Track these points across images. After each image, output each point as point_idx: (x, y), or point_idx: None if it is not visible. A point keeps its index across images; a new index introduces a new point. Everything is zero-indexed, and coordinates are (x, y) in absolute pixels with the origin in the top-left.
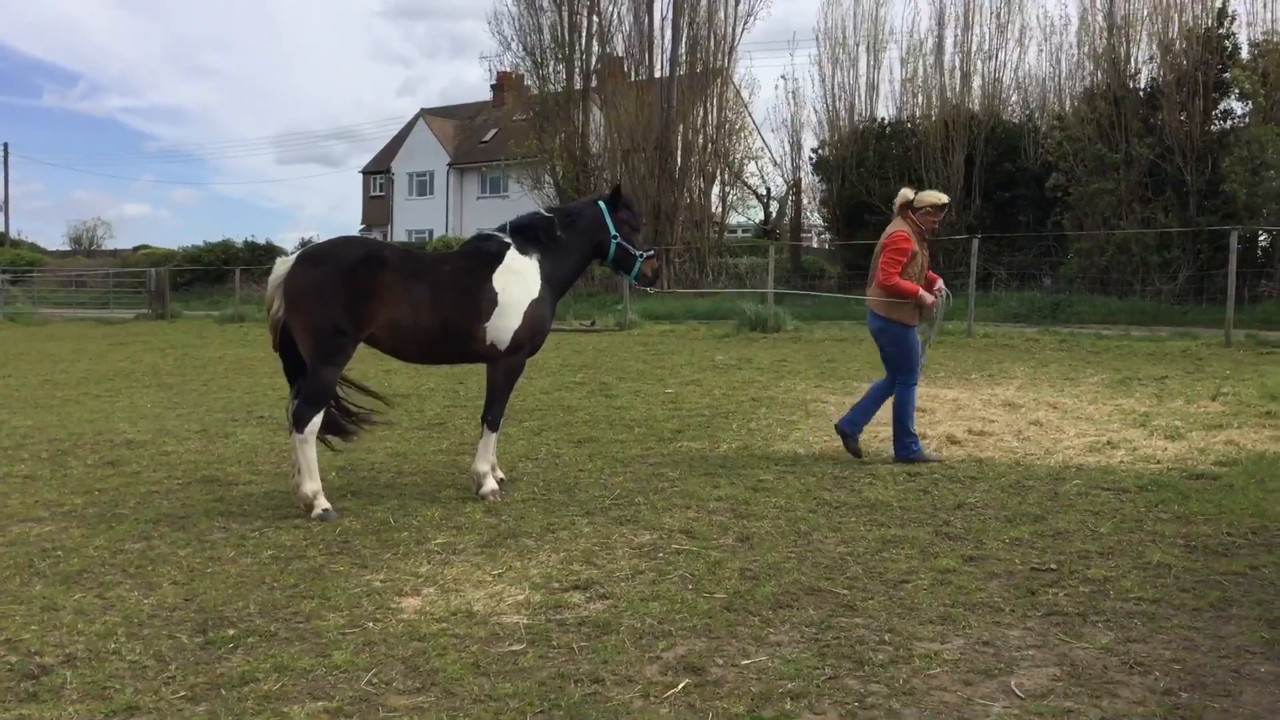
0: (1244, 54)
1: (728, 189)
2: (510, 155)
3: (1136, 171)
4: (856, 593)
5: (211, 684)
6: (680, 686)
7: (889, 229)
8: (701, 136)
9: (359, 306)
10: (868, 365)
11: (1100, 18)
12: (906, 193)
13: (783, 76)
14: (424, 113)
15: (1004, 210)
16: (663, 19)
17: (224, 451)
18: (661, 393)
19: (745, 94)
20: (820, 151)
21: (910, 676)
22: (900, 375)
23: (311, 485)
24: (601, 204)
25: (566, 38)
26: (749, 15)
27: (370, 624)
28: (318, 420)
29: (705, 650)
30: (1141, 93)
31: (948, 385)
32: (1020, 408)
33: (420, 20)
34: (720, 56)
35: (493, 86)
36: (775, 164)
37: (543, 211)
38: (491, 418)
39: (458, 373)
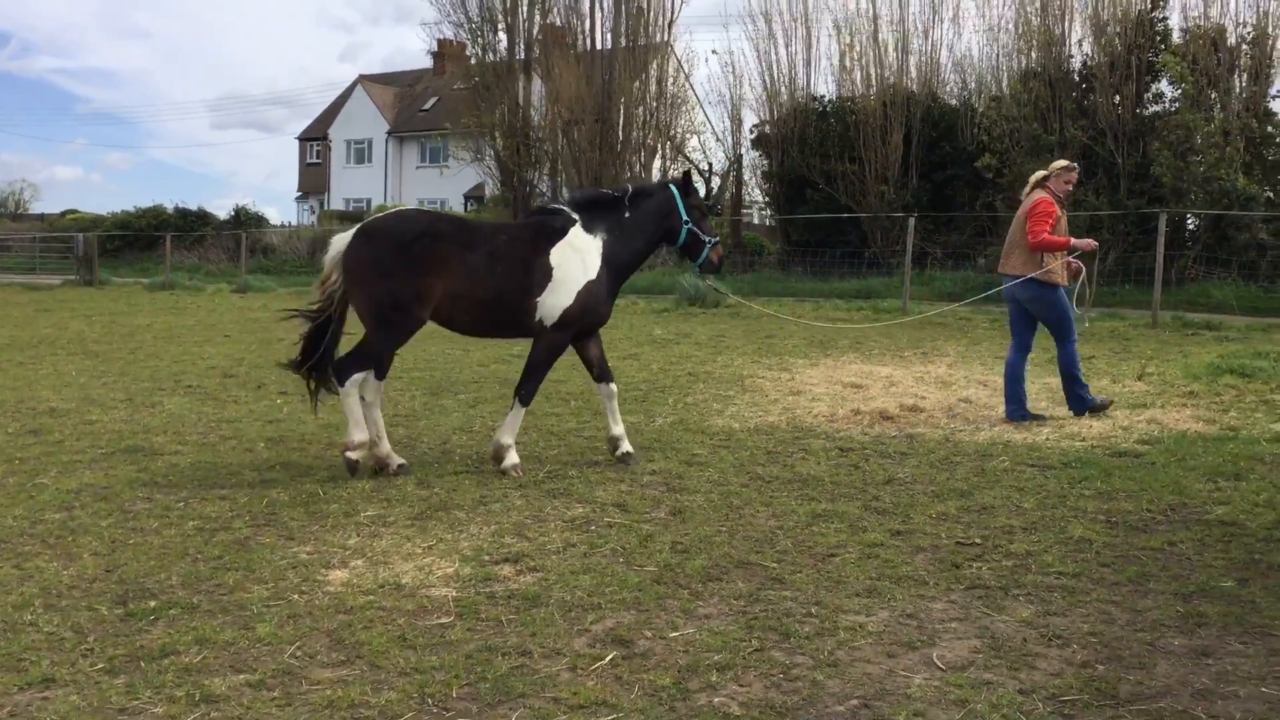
0: (1176, 38)
1: (669, 163)
2: (450, 125)
3: (1070, 153)
4: (785, 566)
5: (131, 656)
6: (608, 659)
7: (1029, 199)
8: (643, 110)
9: (419, 280)
10: (805, 341)
11: None
12: (1040, 172)
13: (713, 51)
14: (362, 79)
15: (941, 190)
16: None
17: (150, 421)
18: None
19: (686, 68)
20: (761, 127)
21: (835, 648)
22: (1060, 336)
23: (360, 434)
24: (673, 187)
25: (506, 6)
26: None
27: (295, 596)
28: (359, 375)
29: (634, 623)
30: (1076, 75)
31: (882, 362)
32: (952, 385)
33: None
34: (661, 30)
35: (433, 55)
36: (717, 139)
37: (612, 190)
38: (525, 392)
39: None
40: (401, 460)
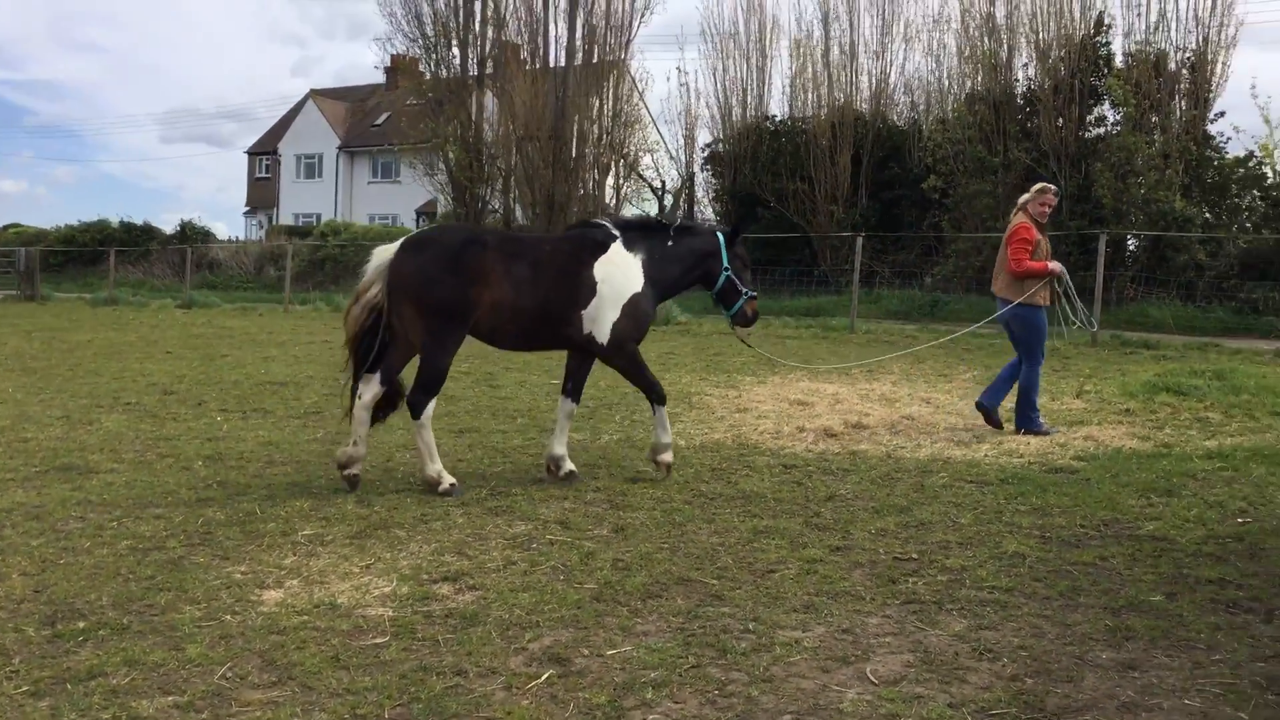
0: (1118, 63)
1: (622, 181)
2: (403, 140)
3: (1014, 175)
4: (725, 582)
5: (57, 678)
6: (544, 677)
7: (1012, 224)
8: (597, 127)
9: (465, 290)
10: (752, 359)
11: (981, 22)
12: (1024, 196)
13: (677, 68)
14: (313, 93)
15: (889, 210)
16: (558, 8)
17: (86, 439)
18: (547, 383)
19: (641, 87)
20: (714, 146)
21: (771, 664)
22: (1028, 356)
23: (434, 466)
24: (720, 234)
25: (460, 22)
26: (646, 8)
27: (228, 617)
28: (433, 406)
29: (572, 641)
30: (1020, 98)
31: (828, 380)
32: (896, 402)
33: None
34: (616, 48)
35: (386, 69)
36: (671, 157)
37: (659, 218)
38: (654, 395)
39: (338, 361)
40: (440, 490)
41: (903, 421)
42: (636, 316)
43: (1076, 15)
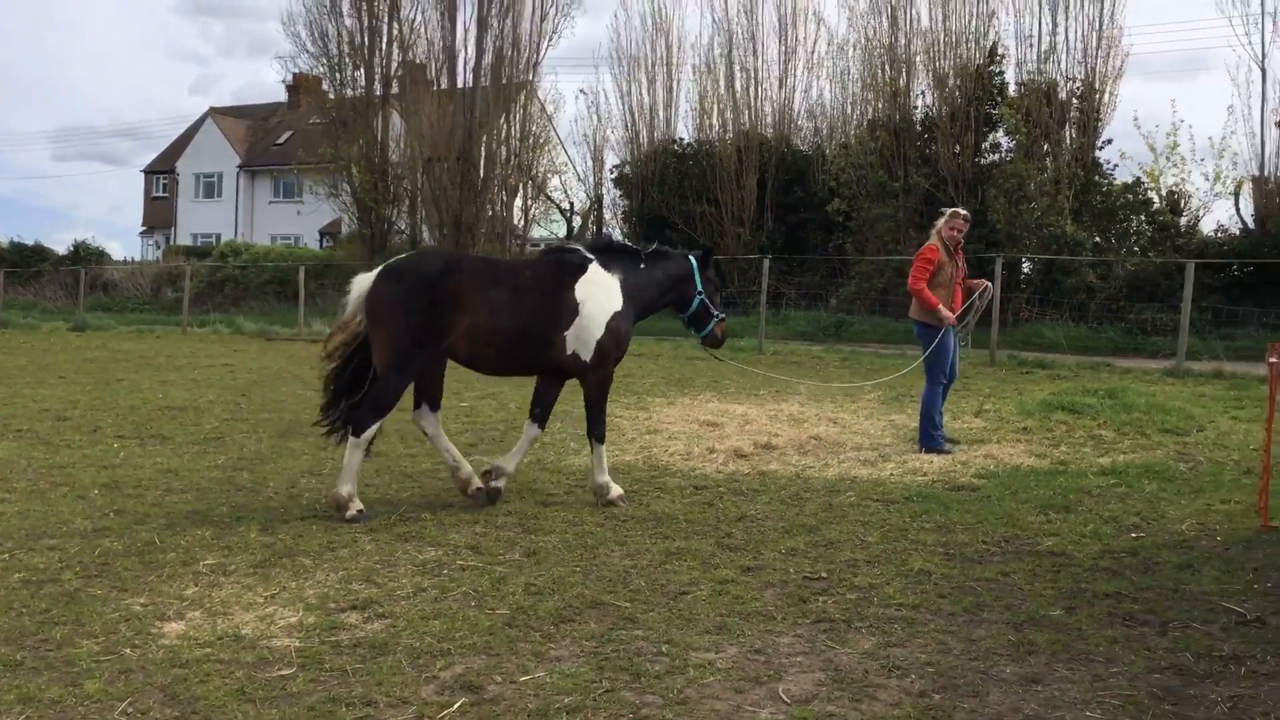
0: (1012, 91)
1: (531, 202)
2: (305, 160)
3: (914, 199)
4: (638, 605)
5: None
6: (456, 706)
7: (924, 245)
8: (505, 149)
9: (440, 319)
10: (663, 380)
11: (881, 51)
12: (940, 219)
13: (582, 90)
14: (213, 111)
15: (795, 233)
16: (466, 29)
17: None
18: (456, 406)
19: (550, 108)
20: (622, 168)
21: (685, 686)
22: (932, 374)
23: (349, 488)
24: (692, 259)
25: (366, 42)
26: (554, 31)
27: (127, 651)
28: (375, 429)
29: (484, 668)
30: (919, 125)
31: (737, 401)
32: (804, 422)
33: (219, 18)
34: (525, 70)
35: (288, 88)
36: (579, 179)
37: (631, 244)
38: (597, 431)
39: (240, 384)
40: (346, 515)
41: (810, 441)
42: (618, 335)
43: (972, 45)
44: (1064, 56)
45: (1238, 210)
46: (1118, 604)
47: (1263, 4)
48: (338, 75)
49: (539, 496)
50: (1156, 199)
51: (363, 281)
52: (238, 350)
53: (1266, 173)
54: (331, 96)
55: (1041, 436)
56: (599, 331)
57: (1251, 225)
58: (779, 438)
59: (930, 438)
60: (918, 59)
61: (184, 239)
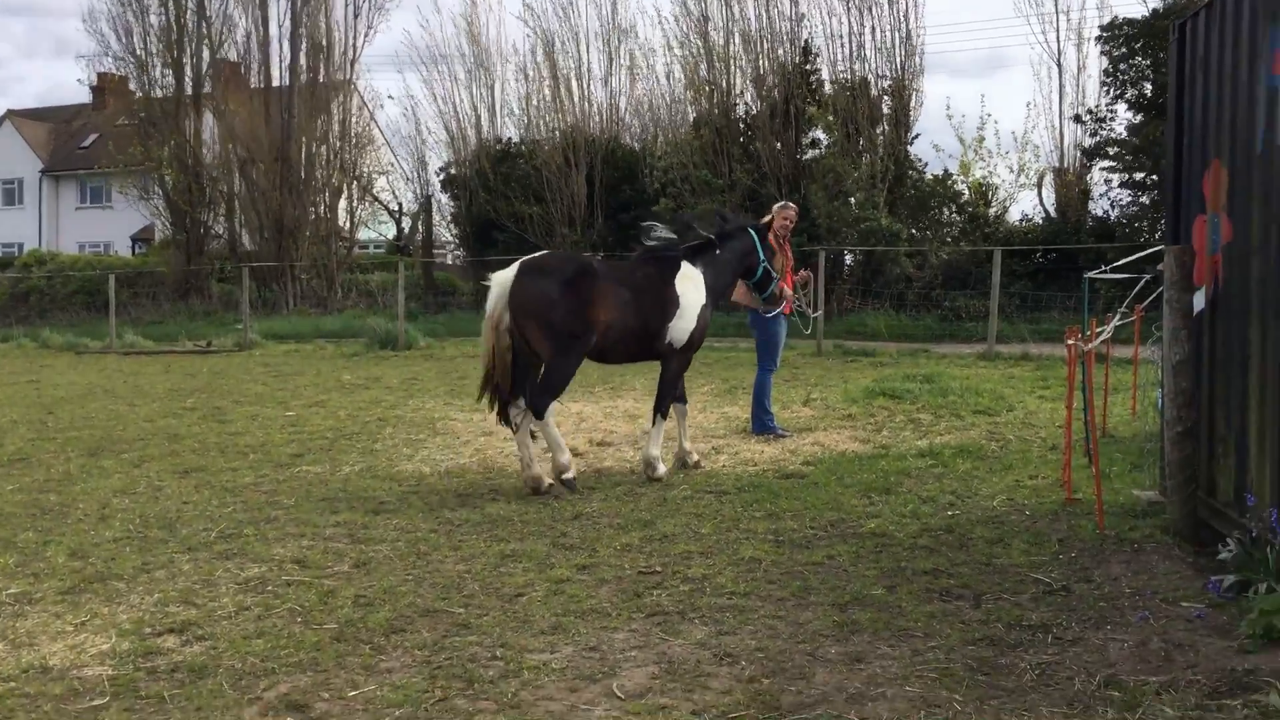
0: (827, 89)
1: (357, 204)
2: (113, 163)
3: (738, 195)
4: (472, 610)
5: None
6: None
7: None
8: (326, 149)
9: (584, 311)
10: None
11: (702, 51)
12: (768, 216)
13: (389, 96)
14: (11, 114)
15: (627, 230)
16: (280, 26)
17: None
18: (282, 416)
19: (372, 108)
20: (448, 170)
21: (519, 689)
22: (763, 361)
23: (564, 456)
24: (753, 232)
25: (175, 40)
26: (369, 27)
27: None
28: (555, 405)
29: (311, 685)
30: (740, 123)
31: (573, 399)
32: (639, 418)
33: (19, 17)
34: (343, 68)
35: (93, 88)
36: (407, 180)
37: (707, 232)
38: (663, 408)
39: (45, 402)
40: (563, 478)
41: (645, 437)
42: (705, 323)
43: (788, 45)
44: (873, 55)
45: (1040, 200)
46: (935, 580)
47: (1056, 3)
48: (145, 74)
49: (370, 504)
50: (966, 191)
51: (504, 278)
52: (45, 365)
53: (1066, 164)
54: (139, 96)
55: (865, 422)
56: (692, 323)
57: (1053, 214)
58: (614, 434)
59: (763, 423)
60: (734, 60)
61: None
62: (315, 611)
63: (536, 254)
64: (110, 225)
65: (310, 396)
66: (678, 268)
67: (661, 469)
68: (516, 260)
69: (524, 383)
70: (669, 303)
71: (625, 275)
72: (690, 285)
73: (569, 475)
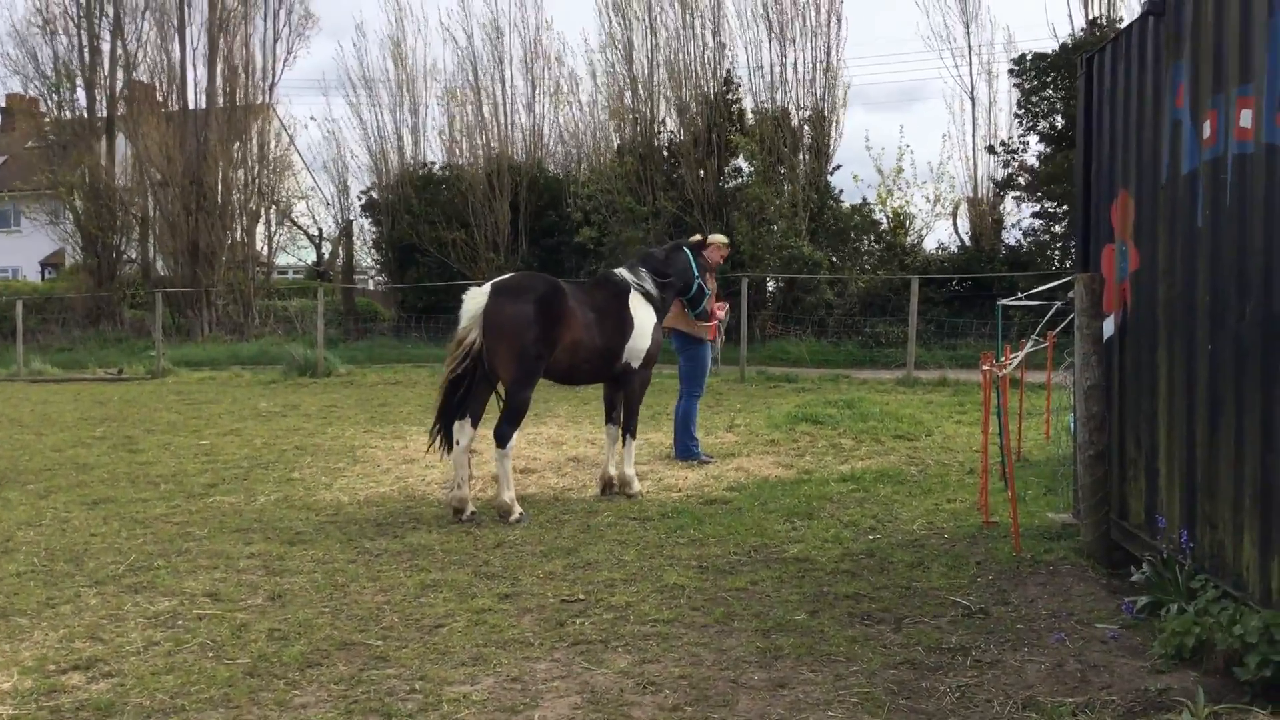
0: (750, 119)
1: (275, 229)
2: (20, 186)
3: (662, 223)
4: (391, 642)
5: None
6: None
7: None
8: (243, 173)
9: (553, 332)
10: (419, 408)
11: (625, 80)
12: (697, 236)
13: (311, 118)
14: None
15: (551, 256)
16: (195, 49)
17: None
18: (195, 445)
19: (290, 132)
20: (370, 194)
21: None
22: (688, 387)
23: (509, 494)
24: (687, 250)
25: (86, 62)
26: (288, 52)
27: None
28: (516, 436)
29: None
30: (665, 150)
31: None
32: (563, 444)
33: None
34: (261, 92)
35: (1, 110)
36: (327, 204)
37: (653, 251)
38: (632, 427)
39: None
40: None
41: (569, 464)
42: (658, 341)
43: (710, 74)
44: (793, 86)
45: (956, 229)
46: (857, 604)
47: (969, 39)
48: (55, 96)
49: (286, 535)
50: (885, 219)
51: (477, 297)
52: None
53: (979, 194)
54: (49, 119)
55: (788, 447)
56: (647, 341)
57: (968, 243)
58: (537, 460)
59: (686, 449)
60: (659, 89)
61: None
62: (228, 646)
63: (507, 275)
64: (18, 250)
65: (225, 425)
66: (629, 292)
67: (637, 486)
68: (442, 284)
69: (472, 404)
70: (625, 325)
71: (588, 296)
72: (643, 306)
73: (514, 516)
